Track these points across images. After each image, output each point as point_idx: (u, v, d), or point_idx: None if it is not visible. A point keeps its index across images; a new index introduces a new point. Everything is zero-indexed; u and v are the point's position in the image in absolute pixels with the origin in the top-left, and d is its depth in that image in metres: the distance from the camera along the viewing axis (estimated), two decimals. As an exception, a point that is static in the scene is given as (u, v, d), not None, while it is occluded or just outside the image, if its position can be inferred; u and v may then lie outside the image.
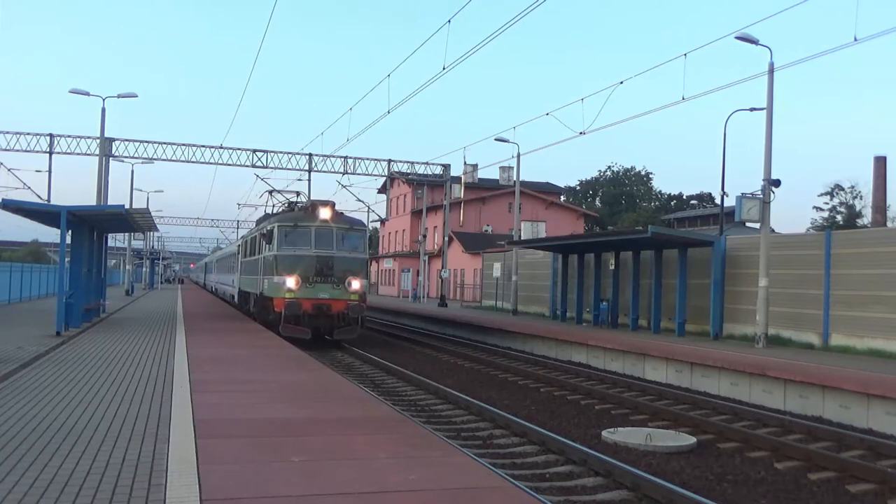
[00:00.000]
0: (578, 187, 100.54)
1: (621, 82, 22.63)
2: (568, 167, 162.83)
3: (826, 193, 66.16)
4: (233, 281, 35.05)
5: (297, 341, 18.96)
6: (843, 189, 64.98)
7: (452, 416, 12.72)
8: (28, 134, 34.77)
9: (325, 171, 39.31)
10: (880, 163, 52.03)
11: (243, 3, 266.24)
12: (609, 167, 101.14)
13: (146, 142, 37.16)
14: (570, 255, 28.84)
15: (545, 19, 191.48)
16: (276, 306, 20.89)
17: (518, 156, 35.17)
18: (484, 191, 60.90)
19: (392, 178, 51.35)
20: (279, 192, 29.08)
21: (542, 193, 63.12)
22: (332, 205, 21.87)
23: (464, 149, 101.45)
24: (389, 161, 40.86)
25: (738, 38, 19.45)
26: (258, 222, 29.00)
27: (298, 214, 22.33)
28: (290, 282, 20.65)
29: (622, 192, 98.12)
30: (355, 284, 21.19)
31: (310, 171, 38.83)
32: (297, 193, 27.02)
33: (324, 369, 12.77)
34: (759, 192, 19.65)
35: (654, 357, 17.88)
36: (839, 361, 15.64)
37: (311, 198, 26.19)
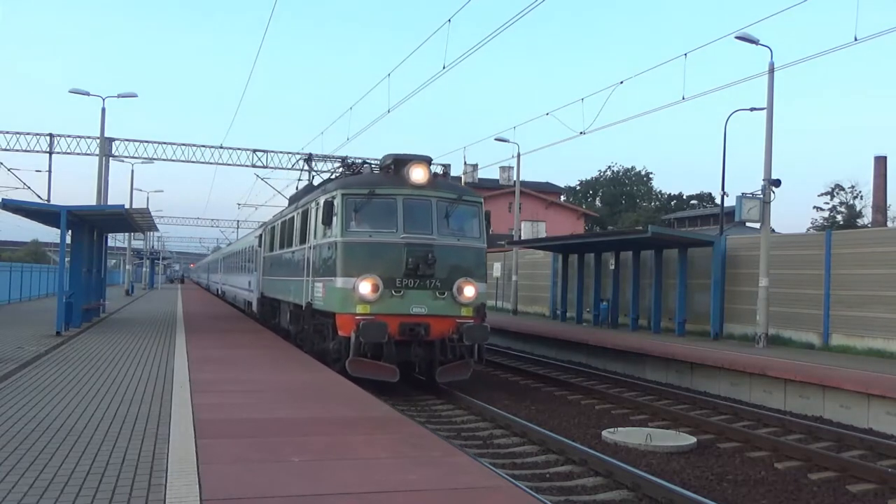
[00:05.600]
0: (578, 187, 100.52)
1: (621, 82, 22.61)
2: (568, 167, 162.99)
3: (826, 193, 66.11)
4: (249, 283, 27.55)
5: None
6: (843, 189, 64.92)
7: (452, 415, 12.72)
8: (28, 134, 34.67)
9: (325, 172, 39.30)
10: (880, 163, 52.13)
11: (243, 2, 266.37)
12: (609, 167, 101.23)
13: (146, 142, 37.11)
14: (570, 255, 28.82)
15: (545, 19, 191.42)
16: (339, 328, 13.35)
17: (518, 156, 35.16)
18: (484, 190, 60.62)
19: (392, 178, 51.24)
20: (322, 158, 20.99)
21: (542, 193, 63.11)
22: (428, 161, 14.23)
23: (464, 149, 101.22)
24: (390, 161, 40.78)
25: (738, 38, 19.44)
26: (293, 200, 20.70)
27: (374, 177, 14.80)
28: (364, 287, 13.03)
29: (622, 192, 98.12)
30: (469, 291, 13.56)
31: (310, 171, 38.76)
32: (343, 159, 18.33)
33: (324, 369, 12.76)
34: (759, 192, 19.65)
35: (654, 357, 17.87)
36: (839, 361, 15.64)
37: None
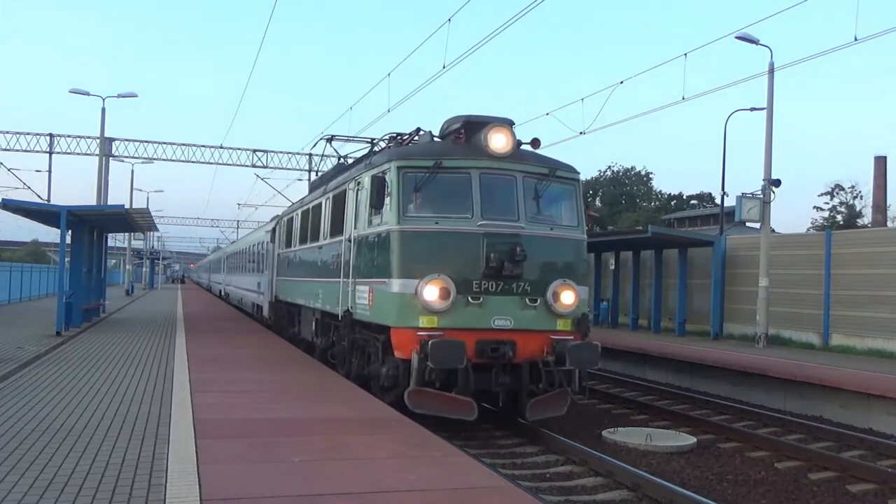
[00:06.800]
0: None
1: (621, 82, 22.56)
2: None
3: (826, 193, 66.08)
4: (258, 285, 24.40)
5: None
6: (843, 189, 64.88)
7: (452, 416, 12.68)
8: (28, 134, 34.87)
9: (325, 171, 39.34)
10: (880, 163, 52.08)
11: (243, 2, 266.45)
12: (609, 167, 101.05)
13: (146, 142, 37.28)
14: (570, 255, 28.81)
15: (546, 18, 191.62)
16: (395, 348, 9.95)
17: (518, 156, 35.07)
18: (484, 191, 60.63)
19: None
20: (346, 139, 16.32)
21: (543, 193, 62.94)
22: (511, 124, 10.68)
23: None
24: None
25: (738, 38, 19.47)
26: (316, 185, 17.24)
27: (439, 145, 11.06)
28: (431, 292, 9.74)
29: (622, 192, 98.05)
30: (568, 297, 10.33)
31: (310, 171, 38.85)
32: (371, 140, 14.67)
33: (324, 369, 12.76)
34: (759, 192, 19.68)
35: (655, 357, 17.88)
36: (839, 361, 15.65)
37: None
